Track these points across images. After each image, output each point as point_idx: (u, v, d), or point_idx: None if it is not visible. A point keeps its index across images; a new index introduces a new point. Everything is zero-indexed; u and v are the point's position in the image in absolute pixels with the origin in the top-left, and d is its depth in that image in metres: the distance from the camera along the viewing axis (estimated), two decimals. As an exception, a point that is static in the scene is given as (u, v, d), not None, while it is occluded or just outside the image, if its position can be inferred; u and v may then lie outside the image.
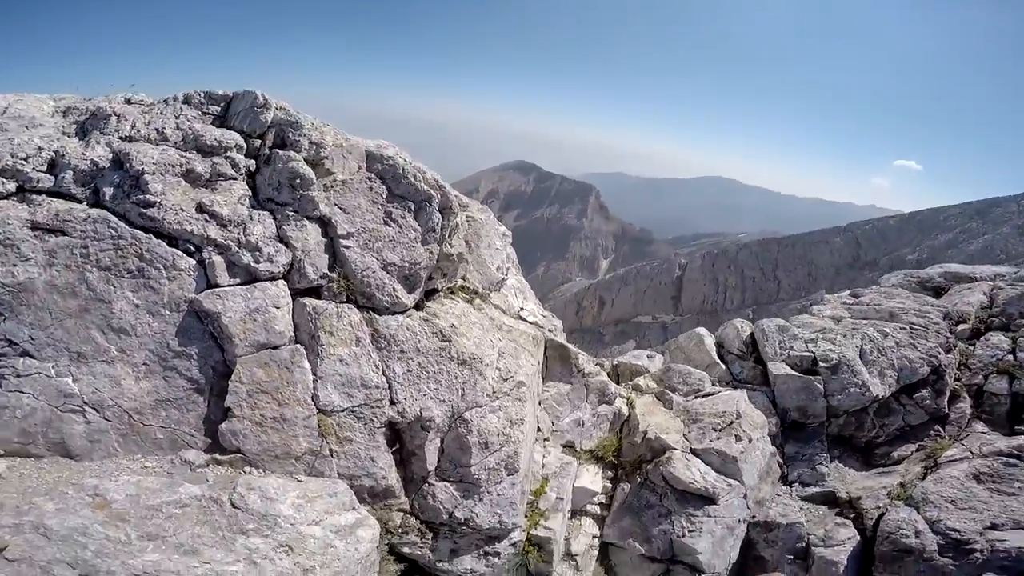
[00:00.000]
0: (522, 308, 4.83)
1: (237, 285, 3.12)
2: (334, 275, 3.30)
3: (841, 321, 5.24)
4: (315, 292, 3.35)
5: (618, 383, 6.72)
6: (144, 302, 3.07)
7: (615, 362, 6.79)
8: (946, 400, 4.79)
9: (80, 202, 3.13)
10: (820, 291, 51.57)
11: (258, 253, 3.08)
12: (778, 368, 4.81)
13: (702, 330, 5.60)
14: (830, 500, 4.68)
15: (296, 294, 3.24)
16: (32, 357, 2.84)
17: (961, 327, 5.29)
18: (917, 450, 4.76)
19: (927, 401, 4.77)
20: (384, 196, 3.33)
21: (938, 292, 6.22)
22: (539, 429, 4.72)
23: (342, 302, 3.36)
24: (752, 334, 5.27)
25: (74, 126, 3.33)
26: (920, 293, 6.17)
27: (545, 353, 4.92)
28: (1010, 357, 4.86)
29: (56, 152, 3.10)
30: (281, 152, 3.19)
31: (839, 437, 5.01)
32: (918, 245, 52.53)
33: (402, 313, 3.48)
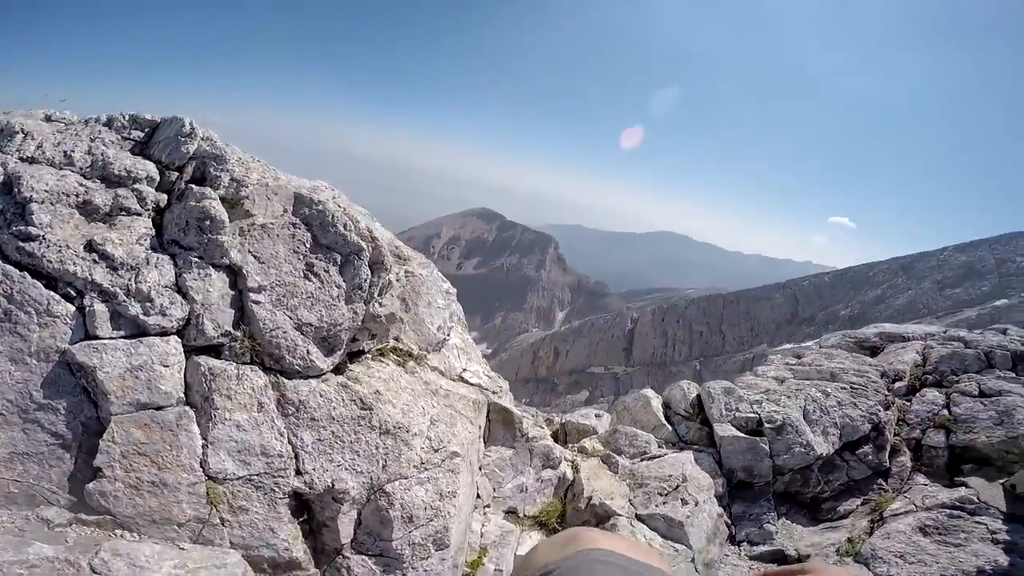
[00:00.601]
0: (464, 369, 4.51)
1: (120, 338, 2.67)
2: (238, 333, 2.90)
3: (785, 382, 5.21)
4: (214, 350, 2.93)
5: (565, 443, 6.43)
6: (7, 348, 2.57)
7: (563, 420, 6.53)
8: (887, 454, 4.79)
9: (-48, 228, 2.67)
10: (762, 344, 53.73)
11: (149, 304, 2.66)
12: (724, 430, 4.67)
13: (649, 392, 5.44)
14: (779, 558, 4.51)
15: (191, 351, 2.81)
16: None
17: (898, 384, 5.37)
18: (862, 504, 4.70)
19: (869, 456, 4.75)
20: (308, 245, 2.97)
21: (874, 351, 6.36)
22: (479, 496, 4.32)
23: (245, 363, 2.95)
24: (699, 395, 5.15)
25: (-19, 142, 2.90)
26: (858, 353, 6.28)
27: (488, 417, 4.60)
28: (945, 412, 4.94)
29: (-60, 171, 2.66)
30: (196, 188, 2.83)
31: (785, 494, 4.88)
32: (850, 301, 56.01)
33: (316, 378, 3.09)
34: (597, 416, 6.38)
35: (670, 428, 5.10)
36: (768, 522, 4.50)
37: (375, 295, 3.15)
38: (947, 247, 57.40)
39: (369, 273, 3.11)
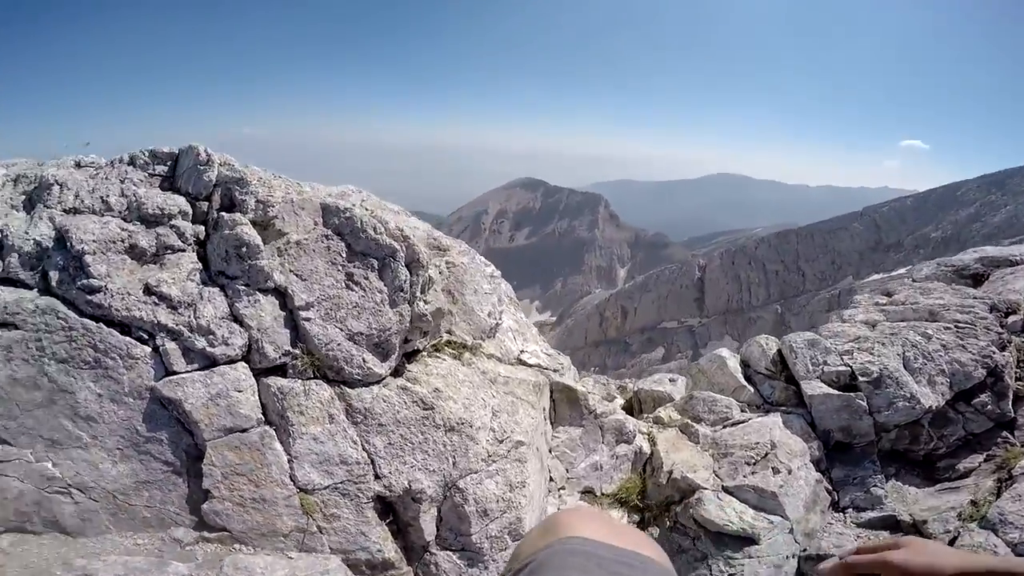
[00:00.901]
0: (522, 351, 4.41)
1: (195, 371, 2.80)
2: (297, 351, 2.95)
3: (877, 326, 4.69)
4: (280, 370, 3.02)
5: (640, 413, 6.25)
6: (106, 391, 2.82)
7: (635, 388, 6.33)
8: (1010, 403, 4.19)
9: (31, 288, 2.87)
10: (847, 277, 50.07)
11: (212, 336, 2.75)
12: (813, 388, 4.28)
13: (724, 351, 5.09)
14: (891, 525, 4.10)
15: (259, 374, 2.89)
16: (9, 444, 2.65)
17: (1012, 319, 4.69)
18: (986, 460, 4.16)
19: (988, 407, 4.18)
20: (344, 255, 2.95)
21: (977, 280, 5.61)
22: (551, 479, 4.27)
23: (309, 378, 3.02)
24: (779, 351, 4.75)
25: (23, 197, 3.09)
26: (958, 283, 5.57)
27: (552, 397, 4.49)
28: None
29: (1, 231, 2.85)
30: (227, 216, 2.86)
31: (892, 452, 4.43)
32: (940, 222, 50.81)
33: (377, 383, 3.10)
34: (672, 381, 6.12)
35: (752, 389, 4.77)
36: (875, 485, 4.11)
37: (417, 294, 3.09)
38: None
39: (408, 273, 3.05)
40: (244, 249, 2.80)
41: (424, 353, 3.41)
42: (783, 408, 4.57)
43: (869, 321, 4.79)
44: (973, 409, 4.18)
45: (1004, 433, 4.11)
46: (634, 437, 4.72)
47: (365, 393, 3.11)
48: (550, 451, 4.55)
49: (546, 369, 4.58)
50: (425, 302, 3.18)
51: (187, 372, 2.79)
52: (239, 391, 2.86)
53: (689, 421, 4.82)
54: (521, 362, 4.45)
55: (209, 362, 2.86)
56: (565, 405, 4.52)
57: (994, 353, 4.17)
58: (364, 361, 3.06)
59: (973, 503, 3.76)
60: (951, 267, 5.76)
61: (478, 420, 3.32)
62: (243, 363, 2.89)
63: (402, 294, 3.00)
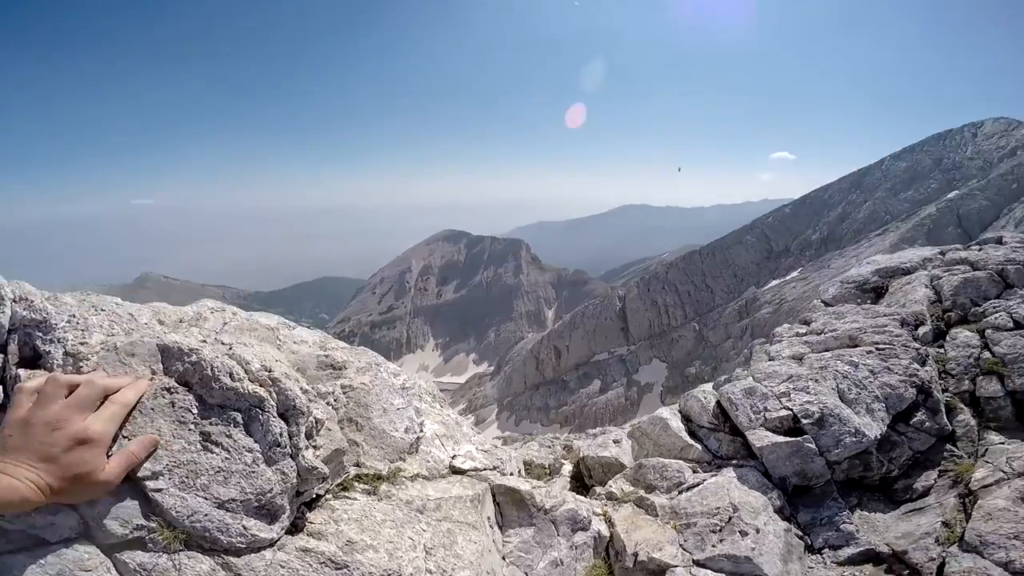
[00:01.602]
0: (454, 456, 3.81)
1: (20, 552, 1.96)
2: (153, 524, 2.18)
3: (804, 360, 4.59)
4: (138, 544, 2.21)
5: (590, 479, 5.75)
6: None
7: (582, 455, 5.86)
8: (944, 416, 4.16)
9: None
10: (750, 288, 53.86)
11: (36, 514, 1.96)
12: (759, 438, 4.02)
13: (665, 411, 4.78)
14: (872, 558, 3.85)
15: (111, 550, 2.08)
16: None
17: (922, 331, 4.78)
18: (939, 476, 4.07)
19: (926, 423, 4.13)
20: (195, 411, 2.24)
21: (878, 293, 5.80)
22: (510, 595, 3.62)
23: (178, 551, 2.23)
24: (719, 402, 4.49)
25: None
26: (862, 300, 5.72)
27: (496, 500, 3.89)
28: (987, 354, 4.34)
29: None
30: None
31: (849, 481, 4.24)
32: (816, 225, 56.66)
33: (270, 547, 2.37)
34: (616, 443, 5.73)
35: (699, 446, 4.44)
36: (844, 521, 3.87)
37: (301, 445, 2.42)
38: (884, 158, 58.89)
39: (283, 424, 2.38)
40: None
41: (329, 496, 2.73)
42: (734, 462, 4.27)
43: (796, 355, 4.70)
44: (913, 428, 4.10)
45: (948, 446, 4.05)
46: (590, 522, 4.19)
47: (256, 561, 2.36)
48: (504, 559, 3.91)
49: (484, 470, 4.00)
50: (315, 448, 2.52)
51: (10, 552, 1.97)
52: (86, 571, 2.04)
53: (643, 493, 4.40)
54: (455, 470, 3.84)
55: (36, 542, 2.03)
56: (512, 507, 3.92)
57: (918, 371, 4.16)
58: (245, 528, 2.33)
59: (945, 524, 3.59)
60: (853, 283, 5.94)
61: (408, 567, 2.65)
62: (84, 541, 2.08)
63: (280, 449, 2.33)
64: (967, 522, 3.38)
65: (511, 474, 4.77)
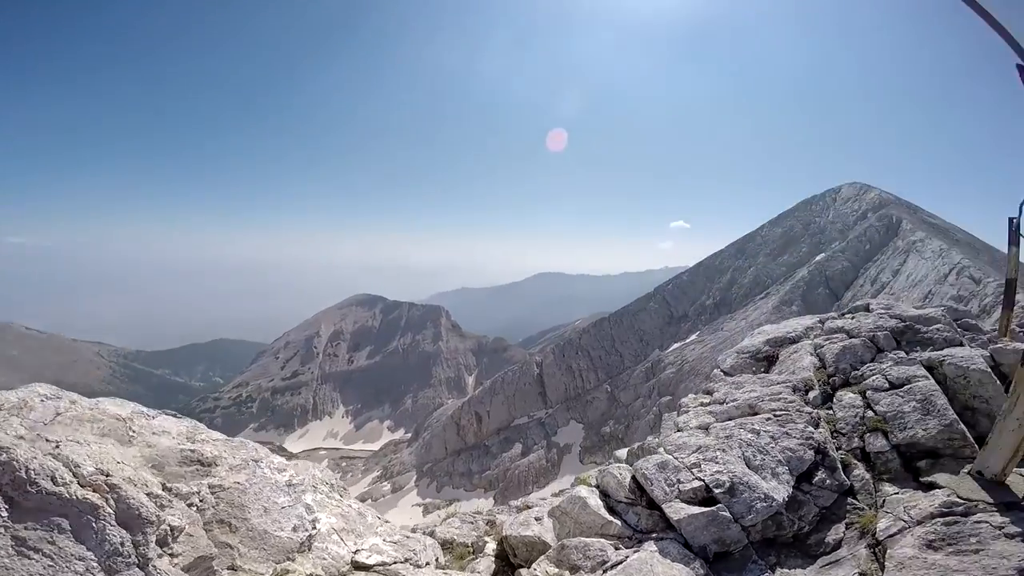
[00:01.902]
0: (357, 551, 3.30)
1: None
2: None
3: (710, 429, 4.67)
4: None
5: (514, 557, 5.34)
6: None
7: (504, 534, 5.46)
8: (842, 472, 4.35)
9: None
10: (655, 351, 56.78)
11: None
12: (676, 511, 3.93)
13: (581, 490, 4.57)
14: None
15: None
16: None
17: (812, 395, 5.10)
18: (847, 528, 4.16)
19: (827, 481, 4.29)
20: (5, 514, 1.73)
21: (770, 361, 6.20)
22: None
23: None
24: (634, 477, 4.40)
25: None
26: (756, 368, 6.08)
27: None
28: (870, 412, 4.69)
29: None
30: None
31: (764, 541, 4.22)
32: (710, 290, 61.99)
33: None
34: (537, 520, 5.38)
35: (619, 523, 4.25)
36: (768, 582, 3.81)
37: (151, 555, 1.91)
38: (763, 225, 66.80)
39: (125, 533, 1.90)
40: None
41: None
42: (654, 535, 4.11)
43: (702, 425, 4.79)
44: (816, 487, 4.23)
45: (849, 500, 4.21)
46: (513, 618, 3.79)
47: None
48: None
49: (395, 564, 3.50)
50: (172, 556, 2.01)
51: None
52: None
53: (567, 574, 4.09)
54: (358, 566, 3.31)
55: None
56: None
57: (813, 433, 4.38)
58: None
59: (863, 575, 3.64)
60: (747, 353, 6.33)
61: None
62: None
63: (122, 559, 1.83)
64: (882, 572, 3.44)
65: (427, 564, 4.26)
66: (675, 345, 56.27)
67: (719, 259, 66.16)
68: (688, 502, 3.93)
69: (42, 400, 2.18)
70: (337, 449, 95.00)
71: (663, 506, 3.97)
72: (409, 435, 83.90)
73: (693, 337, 55.61)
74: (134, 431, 2.41)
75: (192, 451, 2.40)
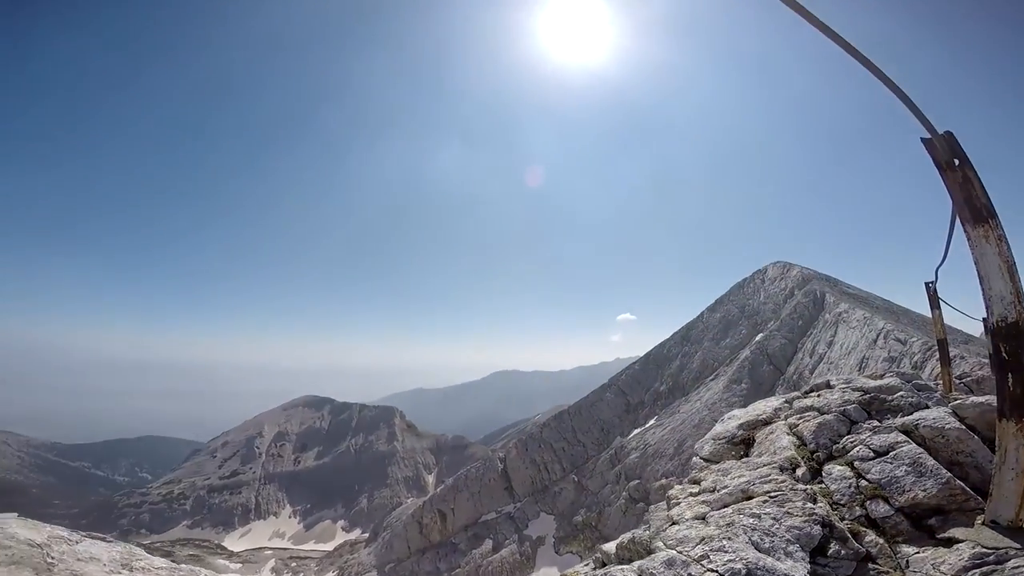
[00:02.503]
0: None
1: None
2: None
3: (708, 519, 4.45)
4: None
5: None
6: None
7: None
8: (854, 541, 4.16)
9: None
10: (617, 438, 55.73)
11: None
12: (694, 611, 3.60)
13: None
14: None
15: None
16: None
17: (799, 472, 5.02)
18: None
19: (842, 552, 4.06)
20: None
21: (747, 444, 6.16)
22: None
23: None
24: (640, 577, 4.04)
25: None
26: (736, 454, 6.01)
27: None
28: (864, 482, 4.63)
29: None
30: None
31: None
32: (661, 377, 62.80)
33: None
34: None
35: (628, 633, 3.82)
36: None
37: None
38: (703, 312, 69.98)
39: None
40: None
41: None
42: None
43: (698, 516, 4.56)
44: (832, 559, 3.97)
45: (870, 566, 3.98)
46: None
47: None
48: None
49: None
50: None
51: None
52: None
53: None
54: None
55: None
56: None
57: (814, 508, 4.22)
58: None
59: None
60: (723, 439, 6.27)
61: None
62: None
63: None
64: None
65: None
66: (636, 431, 55.56)
67: (666, 347, 68.00)
68: (705, 598, 3.61)
69: None
70: (285, 549, 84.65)
71: (681, 608, 3.62)
72: (367, 535, 76.18)
73: (652, 422, 55.28)
74: (51, 559, 1.97)
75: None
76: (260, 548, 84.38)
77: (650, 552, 4.22)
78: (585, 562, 6.23)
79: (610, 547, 5.34)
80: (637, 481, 47.01)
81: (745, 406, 6.87)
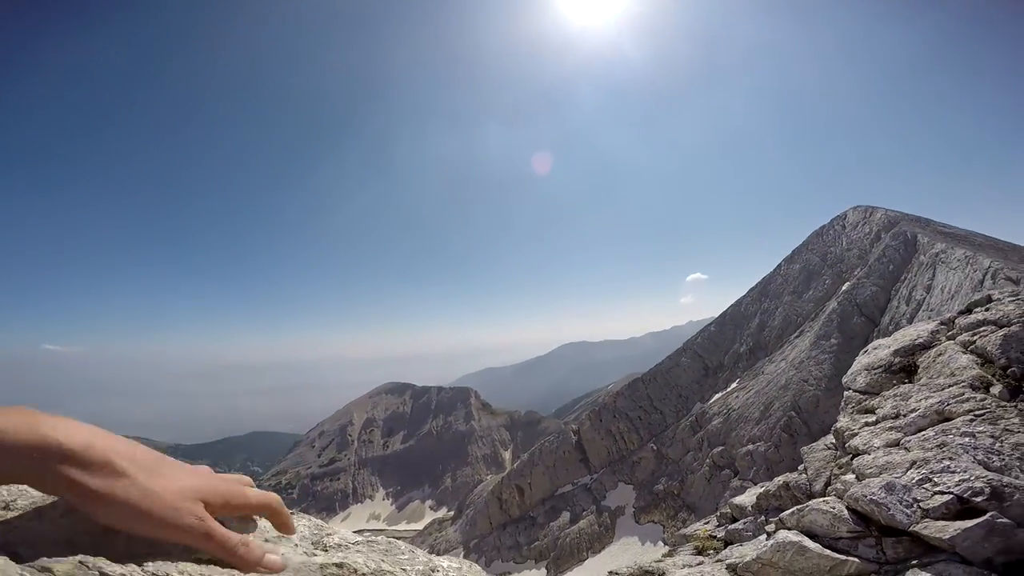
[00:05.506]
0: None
1: None
2: None
3: (907, 445, 4.02)
4: None
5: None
6: None
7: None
8: None
9: None
10: (697, 403, 53.99)
11: None
12: (939, 530, 3.15)
13: (789, 535, 3.84)
14: None
15: None
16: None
17: (995, 391, 4.43)
18: None
19: None
20: None
21: (908, 372, 5.50)
22: None
23: None
24: (848, 508, 3.76)
25: None
26: (898, 383, 5.45)
27: None
28: None
29: None
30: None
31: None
32: (741, 337, 59.78)
33: None
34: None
35: (856, 560, 3.47)
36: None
37: None
38: (780, 264, 65.16)
39: None
40: None
41: None
42: (914, 562, 3.31)
43: (891, 443, 4.12)
44: None
45: None
46: None
47: None
48: None
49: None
50: None
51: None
52: None
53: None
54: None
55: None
56: None
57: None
58: None
59: None
60: (879, 367, 5.62)
61: None
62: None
63: None
64: None
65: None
66: (717, 395, 53.58)
67: (743, 305, 64.49)
68: (942, 519, 3.28)
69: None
70: (382, 530, 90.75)
71: (915, 529, 3.30)
72: (452, 513, 79.78)
73: (734, 385, 53.00)
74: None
75: (338, 566, 1.75)
76: (361, 531, 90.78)
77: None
78: (793, 510, 5.96)
79: (745, 498, 5.04)
80: (721, 448, 45.32)
81: (837, 363, 6.15)
